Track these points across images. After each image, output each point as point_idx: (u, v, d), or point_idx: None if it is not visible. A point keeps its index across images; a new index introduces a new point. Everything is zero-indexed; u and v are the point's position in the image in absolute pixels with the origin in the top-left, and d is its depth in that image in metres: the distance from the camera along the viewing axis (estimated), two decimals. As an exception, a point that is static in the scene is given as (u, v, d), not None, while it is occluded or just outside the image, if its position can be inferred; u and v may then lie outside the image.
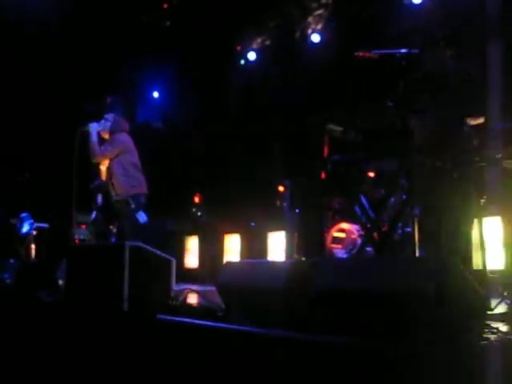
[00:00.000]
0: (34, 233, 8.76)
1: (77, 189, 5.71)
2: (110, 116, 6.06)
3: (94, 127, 5.95)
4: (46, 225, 9.28)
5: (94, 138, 5.90)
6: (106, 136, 6.04)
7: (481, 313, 2.67)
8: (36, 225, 8.80)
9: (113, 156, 5.91)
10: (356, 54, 4.10)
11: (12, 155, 9.26)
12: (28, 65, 8.83)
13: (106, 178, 5.99)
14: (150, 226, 6.02)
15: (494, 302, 3.50)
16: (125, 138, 6.03)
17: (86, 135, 5.91)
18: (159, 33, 10.19)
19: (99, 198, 6.06)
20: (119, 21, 9.39)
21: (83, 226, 9.34)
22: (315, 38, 9.24)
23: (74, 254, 4.93)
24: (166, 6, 10.08)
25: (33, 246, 8.72)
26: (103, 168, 6.01)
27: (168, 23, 10.22)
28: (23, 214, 8.90)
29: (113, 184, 5.94)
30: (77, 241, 9.25)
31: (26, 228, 8.80)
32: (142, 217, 5.84)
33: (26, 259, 8.36)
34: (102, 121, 6.03)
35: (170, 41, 10.10)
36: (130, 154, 5.98)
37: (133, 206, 5.84)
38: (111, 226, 6.25)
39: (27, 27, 8.65)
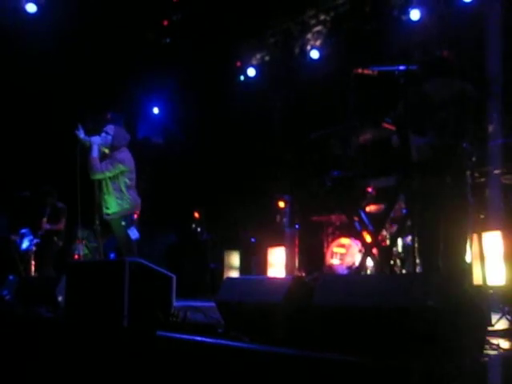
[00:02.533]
0: (34, 249, 8.75)
1: (79, 204, 5.68)
2: (110, 129, 5.96)
3: (95, 141, 5.85)
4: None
5: (95, 153, 5.81)
6: (107, 151, 5.94)
7: (481, 329, 2.67)
8: (36, 241, 8.79)
9: (112, 175, 5.82)
10: (355, 70, 4.13)
11: (13, 171, 9.27)
12: (28, 80, 8.86)
13: (99, 193, 5.90)
14: (151, 242, 6.02)
15: (494, 318, 3.51)
16: (125, 157, 5.94)
17: (87, 149, 5.82)
18: (159, 49, 10.25)
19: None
20: (119, 37, 9.45)
21: (83, 242, 9.35)
22: (314, 54, 9.29)
23: (74, 270, 4.93)
24: (166, 22, 10.14)
25: (33, 263, 8.70)
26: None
27: (168, 40, 10.29)
28: (23, 230, 8.89)
29: (106, 201, 5.86)
30: (76, 256, 9.26)
31: (25, 244, 8.79)
32: (133, 233, 5.80)
33: (25, 275, 8.34)
34: (103, 134, 5.93)
35: (170, 57, 10.15)
36: (129, 174, 5.90)
37: (124, 223, 5.79)
38: (101, 241, 6.24)
39: (28, 43, 8.70)
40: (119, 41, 9.49)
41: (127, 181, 5.87)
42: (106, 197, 5.86)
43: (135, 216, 5.92)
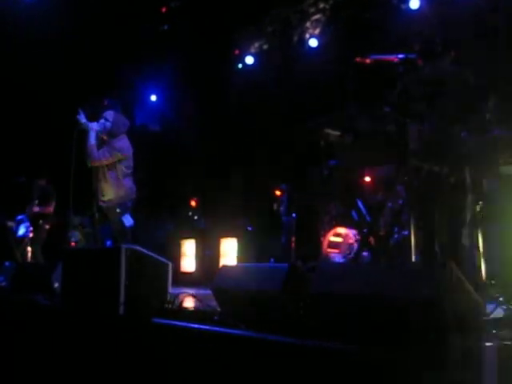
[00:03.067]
0: (31, 235, 8.73)
1: (74, 191, 5.66)
2: (109, 114, 5.89)
3: (92, 127, 5.80)
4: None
5: (93, 140, 5.76)
6: (105, 137, 5.87)
7: (477, 318, 2.67)
8: (32, 227, 8.77)
9: (109, 163, 5.78)
10: (354, 59, 4.11)
11: (9, 157, 9.25)
12: (25, 67, 8.82)
13: (95, 180, 5.87)
14: (147, 229, 6.03)
15: (489, 308, 3.51)
16: (124, 144, 5.88)
17: (84, 136, 5.78)
18: (157, 36, 10.19)
19: None
20: (117, 24, 9.40)
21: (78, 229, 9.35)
22: (313, 42, 9.25)
23: (70, 257, 4.92)
24: (164, 9, 10.08)
25: (29, 249, 8.69)
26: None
27: (166, 27, 10.23)
28: (20, 217, 8.87)
29: (102, 188, 5.83)
30: (72, 243, 9.25)
31: (22, 230, 8.77)
32: (127, 220, 5.80)
33: (21, 262, 8.32)
34: (102, 120, 5.87)
35: (168, 44, 10.10)
36: (126, 162, 5.86)
37: (118, 210, 5.78)
38: (98, 228, 6.24)
39: (25, 29, 8.65)
40: (117, 28, 9.44)
41: (124, 169, 5.83)
42: (102, 184, 5.83)
43: (130, 203, 5.89)
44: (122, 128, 5.94)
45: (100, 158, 5.75)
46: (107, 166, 5.80)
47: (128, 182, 5.89)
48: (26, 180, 8.77)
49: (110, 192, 5.82)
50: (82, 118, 5.78)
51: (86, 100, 6.33)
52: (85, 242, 9.44)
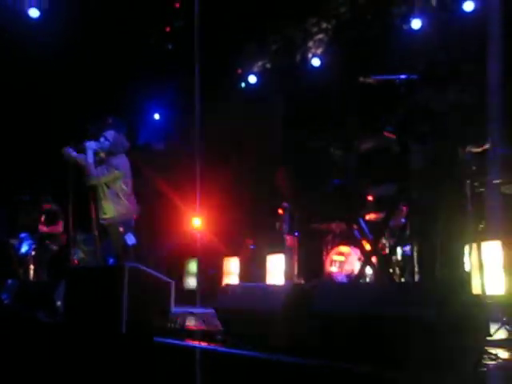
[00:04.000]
0: (33, 253, 8.74)
1: (74, 209, 5.69)
2: (109, 134, 5.96)
3: (90, 146, 5.86)
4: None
5: (90, 158, 5.82)
6: (103, 155, 5.93)
7: (480, 339, 2.66)
8: (35, 245, 8.78)
9: (108, 180, 5.83)
10: (357, 79, 4.14)
11: (12, 175, 9.27)
12: (29, 84, 8.88)
13: (94, 199, 5.91)
14: (150, 247, 6.04)
15: (493, 328, 3.50)
16: (122, 162, 5.92)
17: (81, 163, 5.84)
18: (161, 55, 10.27)
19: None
20: (121, 43, 9.47)
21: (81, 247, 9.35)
22: (316, 62, 9.30)
23: (73, 275, 4.93)
24: (168, 29, 10.17)
25: (31, 267, 8.69)
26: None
27: (170, 46, 10.31)
28: (22, 235, 8.88)
29: (102, 206, 5.86)
30: (75, 261, 9.24)
31: (24, 248, 8.78)
32: (130, 239, 5.82)
33: (24, 280, 8.32)
34: (102, 139, 5.93)
35: (172, 63, 10.17)
36: (125, 179, 5.90)
37: (121, 229, 5.80)
38: (99, 246, 6.26)
39: (30, 47, 8.72)
40: (121, 46, 9.51)
41: (123, 186, 5.87)
42: (102, 202, 5.87)
43: (132, 221, 5.93)
44: (120, 148, 5.99)
45: (98, 175, 5.80)
46: (106, 184, 5.84)
47: (129, 199, 5.92)
48: (30, 198, 8.80)
49: (110, 210, 5.84)
50: (71, 152, 5.87)
51: (90, 118, 6.40)
52: (87, 260, 9.44)
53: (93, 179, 5.82)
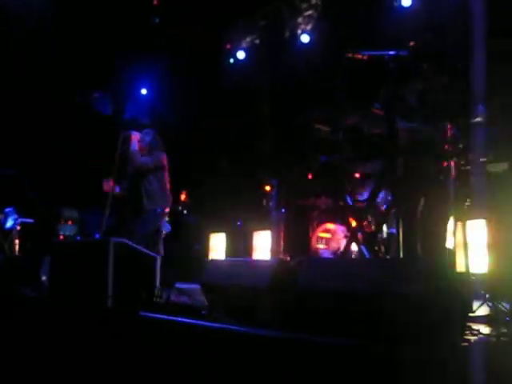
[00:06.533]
0: (19, 228, 8.69)
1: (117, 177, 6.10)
2: (150, 132, 6.36)
3: (135, 135, 6.21)
4: (30, 220, 9.21)
5: (136, 146, 6.18)
6: (143, 150, 6.24)
7: (463, 315, 2.69)
8: (20, 220, 8.72)
9: (151, 169, 6.16)
10: (345, 55, 4.11)
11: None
12: (16, 60, 8.78)
13: (136, 186, 6.17)
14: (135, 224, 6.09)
15: (475, 304, 3.54)
16: (164, 157, 6.28)
17: (127, 141, 6.19)
18: (148, 29, 10.15)
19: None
20: (108, 17, 9.35)
21: (70, 222, 9.30)
22: (305, 38, 9.23)
23: (58, 249, 4.91)
24: (156, 2, 10.03)
25: (17, 242, 8.64)
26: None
27: (157, 20, 10.18)
28: (8, 209, 8.83)
29: (148, 194, 6.13)
30: (61, 237, 9.21)
31: (10, 223, 8.72)
32: (166, 227, 6.44)
33: (9, 254, 8.28)
34: (142, 135, 6.30)
35: (159, 38, 10.06)
36: (166, 173, 6.28)
37: (161, 216, 6.16)
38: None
39: (16, 22, 8.59)
40: (108, 21, 9.39)
41: (165, 179, 6.26)
42: (147, 190, 6.16)
43: (167, 210, 6.31)
44: (160, 146, 6.35)
45: (143, 163, 6.16)
46: (150, 174, 6.17)
47: (168, 191, 6.30)
48: (15, 172, 8.73)
49: (155, 198, 6.15)
50: (117, 189, 6.32)
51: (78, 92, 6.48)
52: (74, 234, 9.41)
53: (139, 166, 6.14)
